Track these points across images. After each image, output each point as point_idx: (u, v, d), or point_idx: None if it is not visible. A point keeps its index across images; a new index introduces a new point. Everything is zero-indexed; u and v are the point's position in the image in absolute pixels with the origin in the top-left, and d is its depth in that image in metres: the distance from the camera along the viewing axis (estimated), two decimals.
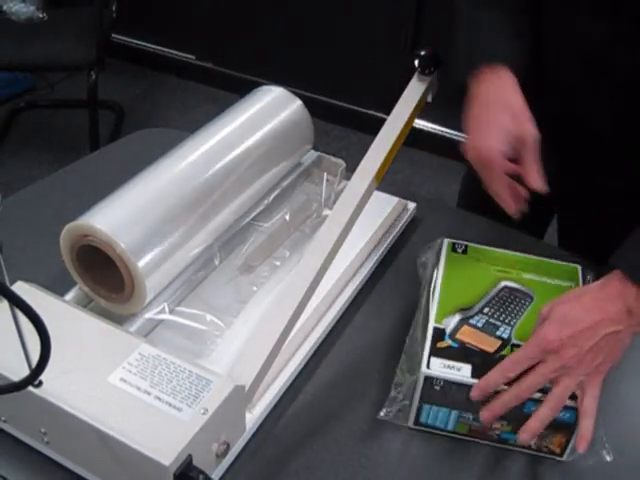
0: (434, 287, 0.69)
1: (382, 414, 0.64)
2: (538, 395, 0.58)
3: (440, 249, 0.74)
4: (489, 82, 0.73)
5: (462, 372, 0.60)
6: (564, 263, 0.73)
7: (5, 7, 2.14)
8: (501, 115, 0.70)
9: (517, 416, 0.60)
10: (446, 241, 0.75)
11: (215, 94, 2.66)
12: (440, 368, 0.60)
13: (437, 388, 0.60)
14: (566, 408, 0.59)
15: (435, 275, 0.71)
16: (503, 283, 0.70)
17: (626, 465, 0.62)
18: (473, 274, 0.71)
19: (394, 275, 0.80)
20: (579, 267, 0.72)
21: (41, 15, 2.15)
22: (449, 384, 0.60)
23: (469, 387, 0.59)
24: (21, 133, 2.41)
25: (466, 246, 0.74)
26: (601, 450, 0.60)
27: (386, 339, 0.72)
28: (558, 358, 0.57)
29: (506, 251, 0.74)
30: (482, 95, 0.73)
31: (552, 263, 0.73)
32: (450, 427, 0.63)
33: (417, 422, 0.63)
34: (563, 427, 0.60)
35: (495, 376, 0.58)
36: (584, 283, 0.71)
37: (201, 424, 0.52)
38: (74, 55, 2.00)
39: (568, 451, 0.61)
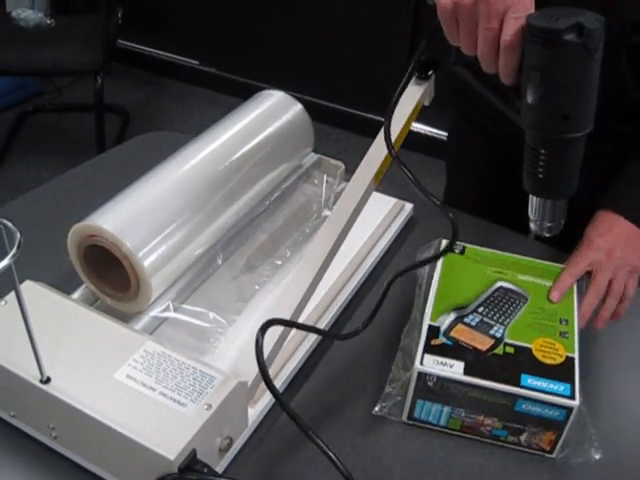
0: (430, 286, 0.69)
1: (377, 409, 0.63)
2: (530, 394, 0.58)
3: (438, 249, 0.74)
4: None
5: (454, 369, 0.60)
6: (560, 265, 0.72)
7: (14, 14, 2.14)
8: None
9: (508, 414, 0.60)
10: (444, 242, 0.74)
11: (218, 98, 2.65)
12: (433, 365, 0.60)
13: (430, 384, 0.60)
14: (556, 406, 0.58)
15: (432, 274, 0.71)
16: (498, 284, 0.69)
17: (614, 463, 0.62)
18: (469, 274, 0.71)
19: (392, 274, 0.80)
20: None
21: (49, 22, 2.14)
22: (442, 380, 0.60)
23: (461, 383, 0.59)
24: (30, 136, 2.41)
25: (464, 247, 0.74)
26: (590, 448, 0.60)
27: (384, 337, 0.72)
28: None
29: (503, 253, 0.74)
30: None
31: (548, 265, 0.73)
32: (443, 423, 0.63)
33: (411, 417, 0.63)
34: (553, 425, 0.59)
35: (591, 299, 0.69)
36: (578, 285, 0.70)
37: (205, 419, 0.52)
38: (81, 60, 2.00)
39: (558, 448, 0.61)
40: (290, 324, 0.59)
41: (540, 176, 0.54)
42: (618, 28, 0.73)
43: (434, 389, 0.60)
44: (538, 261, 0.73)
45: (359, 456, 0.61)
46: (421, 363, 0.60)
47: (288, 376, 0.66)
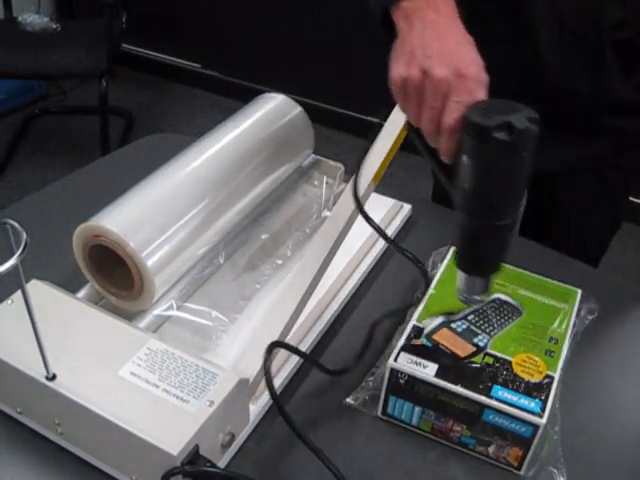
0: (427, 289, 0.68)
1: (349, 400, 0.64)
2: (497, 405, 0.57)
3: (446, 254, 0.73)
4: (430, 9, 0.55)
5: (427, 370, 0.59)
6: (565, 286, 0.70)
7: (20, 18, 2.15)
8: (463, 39, 0.53)
9: (476, 423, 0.59)
10: (452, 249, 0.74)
11: (220, 101, 2.66)
12: (406, 363, 0.60)
13: (401, 382, 0.60)
14: (522, 422, 0.56)
15: (432, 278, 0.70)
16: (495, 295, 0.68)
17: None
18: None
19: (390, 273, 0.80)
20: (579, 291, 0.69)
21: (54, 26, 2.15)
22: (413, 379, 0.59)
23: (431, 385, 0.59)
24: (35, 138, 2.41)
25: None
26: (555, 471, 0.58)
27: (382, 336, 0.71)
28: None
29: (509, 266, 0.72)
30: (426, 18, 0.54)
31: (552, 284, 0.70)
32: (414, 422, 0.62)
33: (385, 412, 0.63)
34: (520, 440, 0.58)
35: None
36: (580, 307, 0.68)
37: (207, 415, 0.52)
38: (86, 64, 2.00)
39: (526, 465, 0.59)
40: (291, 349, 0.60)
41: (469, 255, 0.56)
42: (600, 26, 0.75)
43: (405, 387, 0.60)
44: (544, 278, 0.71)
45: (361, 452, 0.60)
46: (395, 360, 0.60)
47: (290, 372, 0.66)
